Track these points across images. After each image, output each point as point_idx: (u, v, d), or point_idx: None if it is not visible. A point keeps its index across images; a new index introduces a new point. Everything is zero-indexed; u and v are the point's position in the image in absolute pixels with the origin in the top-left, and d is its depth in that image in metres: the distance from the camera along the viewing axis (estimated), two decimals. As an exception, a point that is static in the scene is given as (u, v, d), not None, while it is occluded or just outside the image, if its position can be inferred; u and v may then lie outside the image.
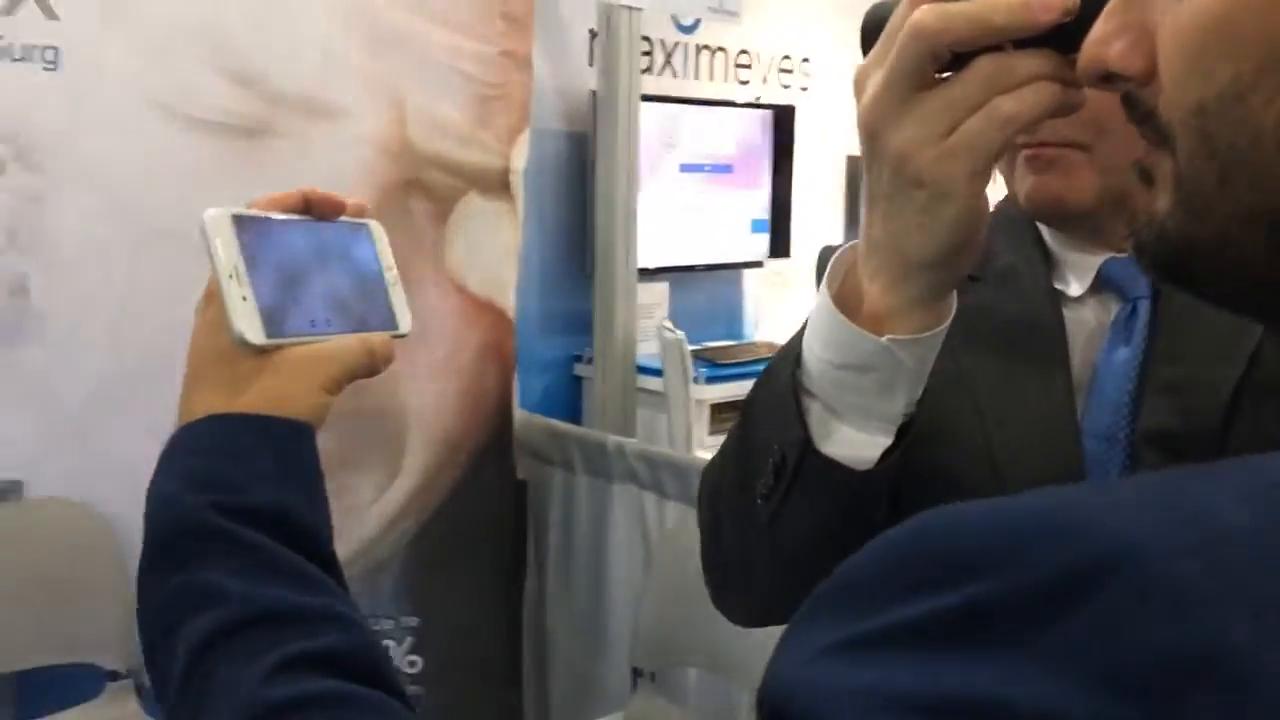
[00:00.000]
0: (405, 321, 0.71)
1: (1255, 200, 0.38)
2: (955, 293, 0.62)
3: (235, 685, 0.50)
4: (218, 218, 0.62)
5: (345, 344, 0.64)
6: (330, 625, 0.53)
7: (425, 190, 2.37)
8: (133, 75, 2.13)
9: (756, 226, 4.16)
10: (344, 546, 2.26)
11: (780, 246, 4.18)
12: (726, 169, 4.05)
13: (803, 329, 0.65)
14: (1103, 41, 0.46)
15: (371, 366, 0.65)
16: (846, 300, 0.61)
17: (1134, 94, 0.42)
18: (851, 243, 0.61)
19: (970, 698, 0.26)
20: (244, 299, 0.61)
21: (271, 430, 0.59)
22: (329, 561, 0.58)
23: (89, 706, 2.12)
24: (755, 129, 4.13)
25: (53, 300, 2.12)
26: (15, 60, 2.04)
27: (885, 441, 0.62)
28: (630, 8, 2.80)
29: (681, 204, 3.89)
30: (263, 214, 0.65)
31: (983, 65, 0.53)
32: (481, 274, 2.45)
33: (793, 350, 0.65)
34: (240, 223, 0.62)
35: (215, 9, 2.18)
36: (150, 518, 0.58)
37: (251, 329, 0.60)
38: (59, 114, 2.09)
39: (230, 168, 2.22)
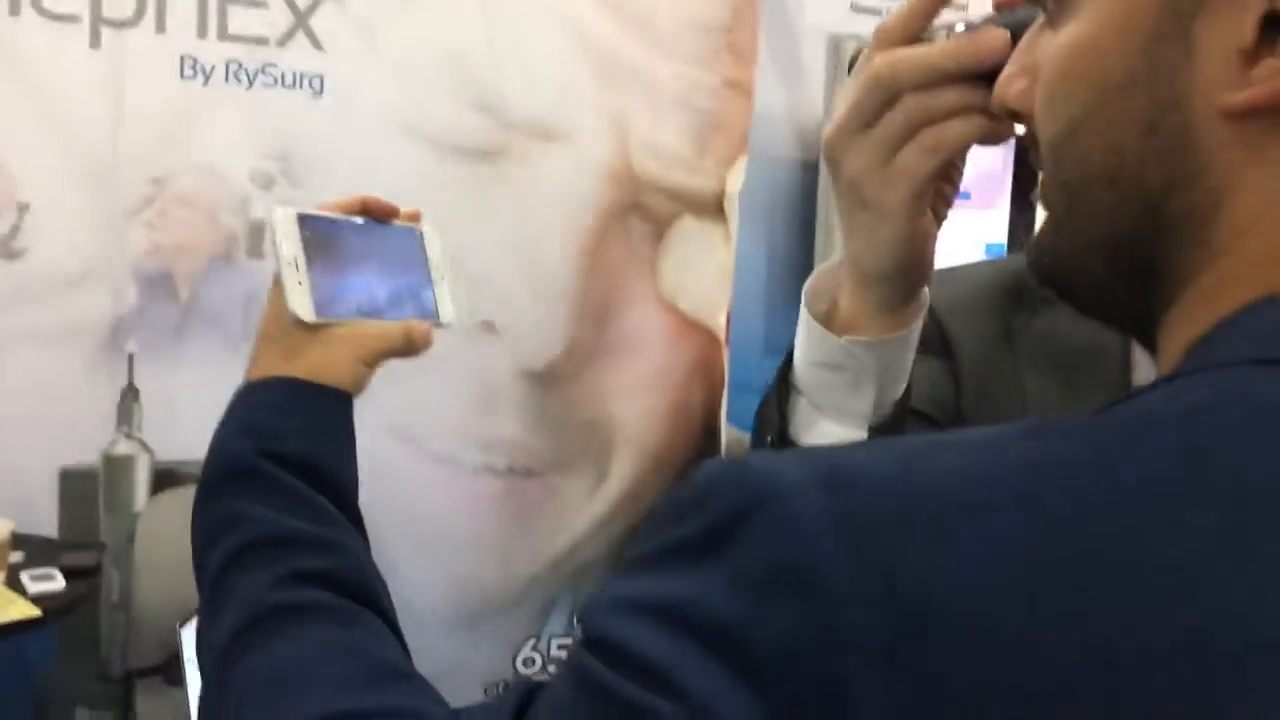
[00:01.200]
0: (447, 313, 0.82)
1: (1092, 229, 0.44)
2: (921, 302, 0.67)
3: (250, 588, 0.62)
4: (283, 215, 0.74)
5: (386, 326, 0.76)
6: (333, 551, 0.64)
7: (644, 212, 2.50)
8: (387, 101, 2.34)
9: (992, 250, 4.10)
10: (554, 544, 2.43)
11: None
12: (963, 195, 4.01)
13: None
14: (1006, 81, 0.52)
15: (409, 347, 0.77)
16: (833, 307, 0.68)
17: (1031, 129, 0.48)
18: (835, 256, 0.68)
19: (675, 602, 0.35)
20: (299, 284, 0.72)
21: (312, 393, 0.71)
22: (346, 505, 0.69)
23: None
24: (995, 153, 4.08)
25: (308, 303, 2.35)
26: (286, 87, 2.28)
27: (860, 435, 0.68)
28: (858, 38, 2.85)
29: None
30: (324, 213, 0.77)
31: (908, 101, 0.59)
32: (693, 294, 2.55)
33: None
34: (304, 220, 0.74)
35: (461, 40, 2.37)
36: (207, 458, 0.70)
37: (304, 308, 0.72)
38: (322, 136, 2.32)
39: (468, 187, 2.41)
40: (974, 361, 0.83)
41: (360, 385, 0.75)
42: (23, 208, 2.15)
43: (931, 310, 0.85)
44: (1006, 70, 0.52)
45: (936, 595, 0.31)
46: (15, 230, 2.14)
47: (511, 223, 2.45)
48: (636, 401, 2.51)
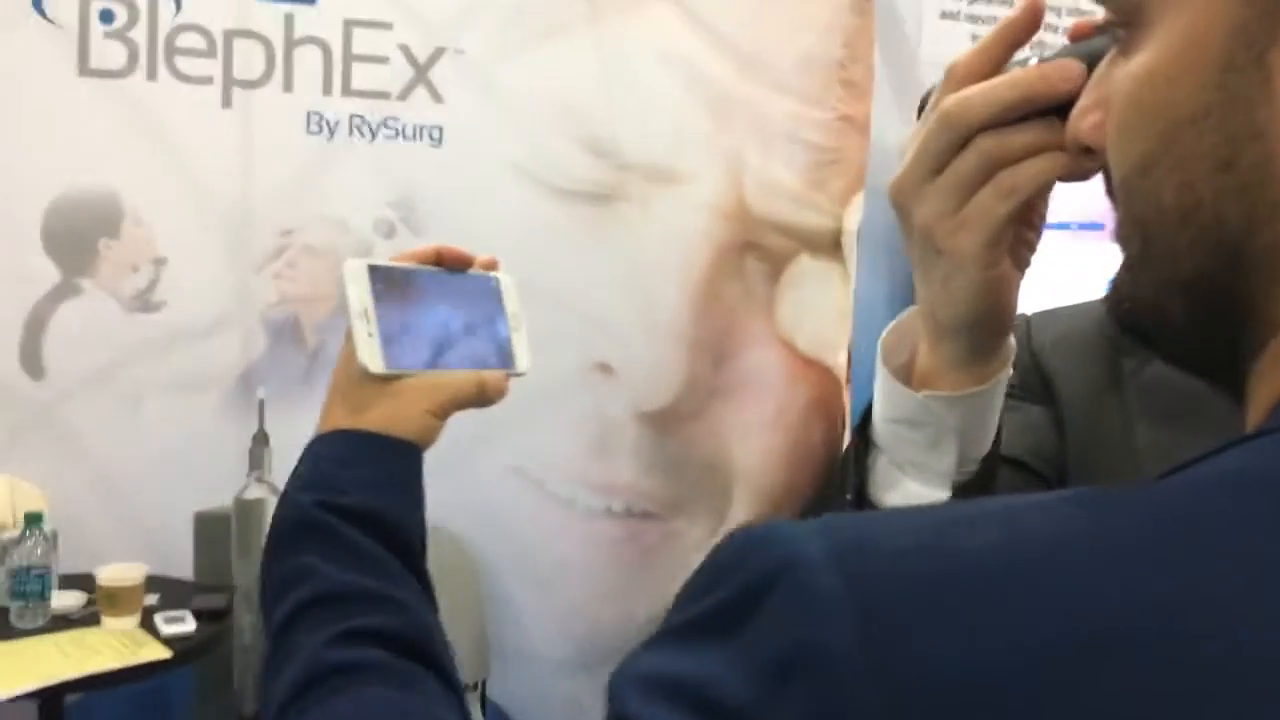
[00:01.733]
0: (524, 362, 0.81)
1: (1167, 270, 0.40)
2: (1005, 354, 0.63)
3: (309, 646, 0.62)
4: (355, 267, 0.74)
5: (457, 377, 0.75)
6: (391, 606, 0.64)
7: (760, 251, 2.48)
8: (503, 149, 2.39)
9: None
10: (673, 587, 2.40)
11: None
12: (1096, 226, 3.89)
13: None
14: (1079, 115, 0.48)
15: (482, 398, 0.76)
16: (911, 360, 0.65)
17: (1107, 166, 0.44)
18: (913, 307, 0.65)
19: (694, 682, 0.33)
20: (369, 335, 0.72)
21: (380, 445, 0.71)
22: (411, 556, 0.68)
23: (442, 713, 2.35)
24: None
25: (429, 348, 2.40)
26: (407, 138, 2.34)
27: (943, 495, 0.64)
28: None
29: (1047, 262, 3.77)
30: (397, 264, 0.77)
31: (981, 141, 0.55)
32: (811, 332, 2.52)
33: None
34: (375, 271, 0.74)
35: (576, 88, 2.40)
36: (275, 511, 0.70)
37: (373, 360, 0.72)
38: (441, 184, 2.37)
39: (583, 230, 2.44)
40: (1079, 410, 0.78)
41: (430, 437, 0.74)
42: (159, 262, 2.24)
43: (1033, 354, 0.81)
44: (1080, 103, 0.49)
45: (951, 687, 0.29)
46: (153, 284, 2.24)
47: (627, 264, 2.47)
48: (754, 442, 2.49)
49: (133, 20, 2.17)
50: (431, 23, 2.33)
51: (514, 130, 2.39)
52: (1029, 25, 0.58)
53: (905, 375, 0.65)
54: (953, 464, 0.63)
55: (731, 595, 0.34)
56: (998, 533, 0.33)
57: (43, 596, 1.98)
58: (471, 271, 0.80)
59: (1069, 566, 0.31)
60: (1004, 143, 0.55)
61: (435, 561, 2.29)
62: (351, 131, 2.32)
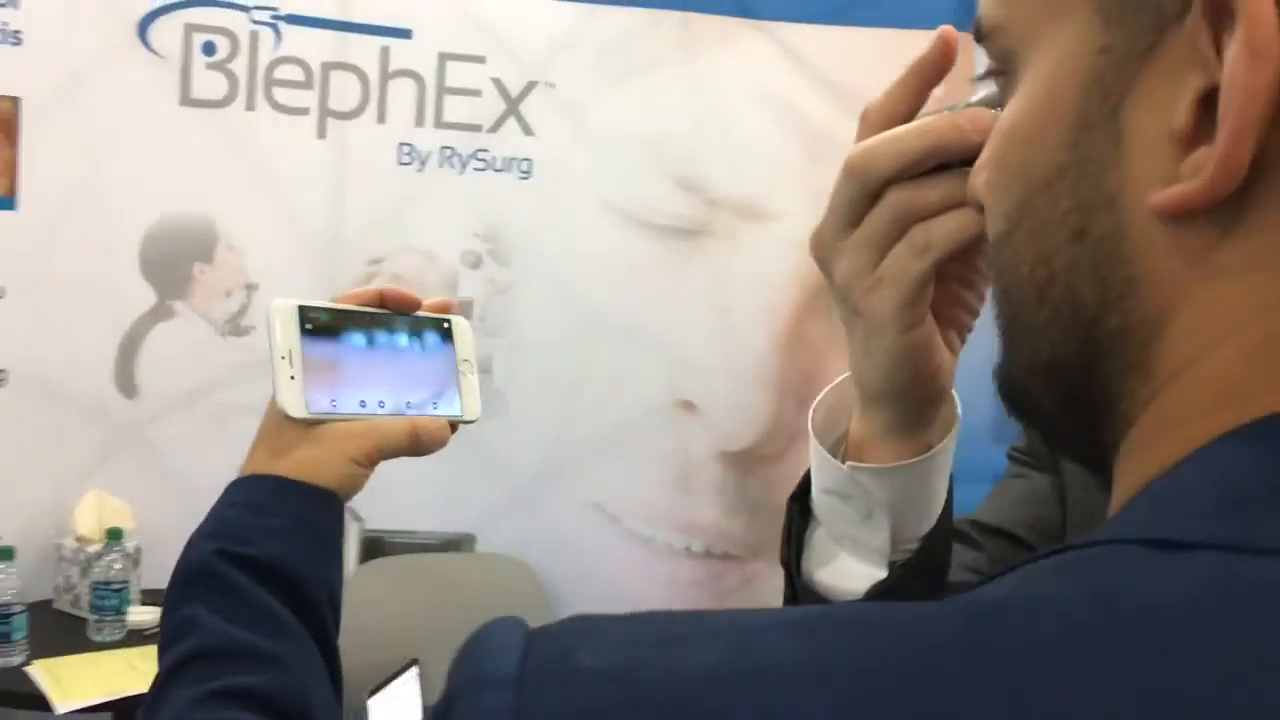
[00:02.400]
0: (473, 409, 0.77)
1: (1029, 350, 0.35)
2: (944, 425, 0.57)
3: (177, 703, 0.59)
4: (282, 307, 0.71)
5: (387, 423, 0.71)
6: (271, 666, 0.60)
7: (849, 291, 2.42)
8: (592, 182, 2.38)
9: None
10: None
11: None
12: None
13: None
14: (977, 170, 0.43)
15: (415, 446, 0.72)
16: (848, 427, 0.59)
17: None
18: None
19: None
20: (291, 378, 0.69)
21: (294, 492, 0.67)
22: (310, 610, 0.65)
23: (510, 749, 2.33)
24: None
25: (512, 380, 2.40)
26: (497, 171, 2.36)
27: (879, 573, 0.58)
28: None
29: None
30: (331, 305, 0.73)
31: (892, 195, 0.50)
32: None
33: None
34: (307, 312, 0.71)
35: (667, 122, 2.39)
36: (179, 558, 0.67)
37: (293, 404, 0.69)
38: (528, 217, 2.38)
39: (670, 266, 2.41)
40: (1080, 483, 0.72)
41: (352, 485, 0.70)
42: (251, 288, 2.29)
43: None
44: (980, 158, 0.43)
45: None
46: (244, 309, 2.29)
47: (713, 302, 2.43)
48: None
49: (234, 52, 2.24)
50: (524, 57, 2.35)
51: (603, 164, 2.39)
52: (940, 62, 0.53)
53: (839, 443, 0.59)
54: (886, 540, 0.58)
55: (441, 700, 0.32)
56: (709, 658, 0.29)
57: (119, 611, 2.03)
58: (420, 313, 0.77)
59: (756, 707, 0.27)
60: (916, 196, 0.50)
61: (508, 595, 2.28)
62: (442, 163, 2.34)
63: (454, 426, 0.75)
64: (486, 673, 0.30)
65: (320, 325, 0.72)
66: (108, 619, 2.02)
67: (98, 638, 2.02)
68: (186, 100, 2.22)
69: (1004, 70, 0.37)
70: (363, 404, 0.72)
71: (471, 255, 2.38)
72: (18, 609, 1.94)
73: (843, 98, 2.43)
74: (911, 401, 0.55)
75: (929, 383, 0.55)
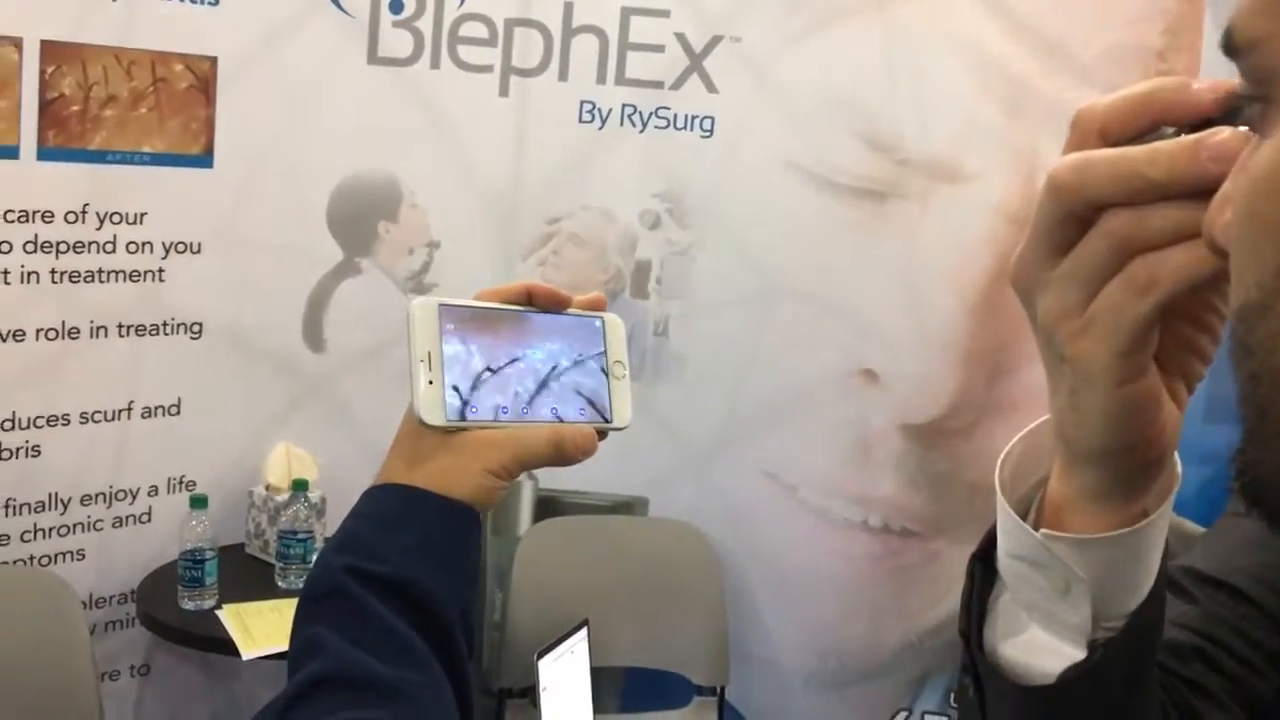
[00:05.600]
0: (623, 416, 0.72)
1: None
2: (1163, 490, 0.48)
3: None
4: (423, 305, 0.66)
5: (529, 432, 0.67)
6: (394, 699, 0.57)
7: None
8: (775, 141, 2.30)
9: None
10: (931, 612, 2.24)
11: None
12: None
13: None
14: (1217, 206, 0.35)
15: (560, 456, 0.67)
16: (1044, 481, 0.51)
17: None
18: (1046, 417, 0.50)
19: None
20: (430, 383, 0.65)
21: (427, 505, 0.64)
22: (443, 633, 0.62)
23: (677, 713, 2.32)
24: None
25: (688, 344, 2.35)
26: (678, 129, 2.30)
27: (1076, 654, 0.49)
28: None
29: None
30: (474, 304, 0.68)
31: (1111, 221, 0.41)
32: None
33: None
34: (447, 311, 0.66)
35: (856, 77, 2.28)
36: (311, 570, 0.65)
37: (430, 411, 0.64)
38: (709, 176, 2.32)
39: (856, 228, 2.31)
40: None
41: (488, 499, 0.66)
42: (433, 245, 2.31)
43: None
44: (1222, 189, 0.36)
45: None
46: (426, 266, 2.32)
47: (901, 266, 2.32)
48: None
49: (420, 10, 2.24)
50: (709, 11, 2.27)
51: (788, 121, 2.30)
52: (1187, 112, 0.41)
53: (1037, 498, 0.52)
54: (1086, 619, 0.50)
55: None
56: None
57: (305, 559, 2.09)
58: (570, 312, 0.72)
59: None
60: (1139, 224, 0.41)
61: (680, 559, 2.25)
62: (623, 121, 2.30)
63: (603, 434, 0.71)
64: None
65: (463, 325, 0.68)
66: (293, 566, 2.09)
67: (284, 584, 2.09)
68: (374, 59, 2.24)
69: (1261, 96, 0.29)
70: (505, 410, 0.68)
71: (650, 215, 2.34)
72: (210, 554, 2.02)
73: (1045, 46, 2.27)
74: (1126, 465, 0.47)
75: (1149, 445, 0.46)
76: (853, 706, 2.43)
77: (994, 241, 2.28)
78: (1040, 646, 0.51)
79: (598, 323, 0.73)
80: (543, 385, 0.69)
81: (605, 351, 0.73)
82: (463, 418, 0.66)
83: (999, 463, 0.52)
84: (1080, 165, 0.42)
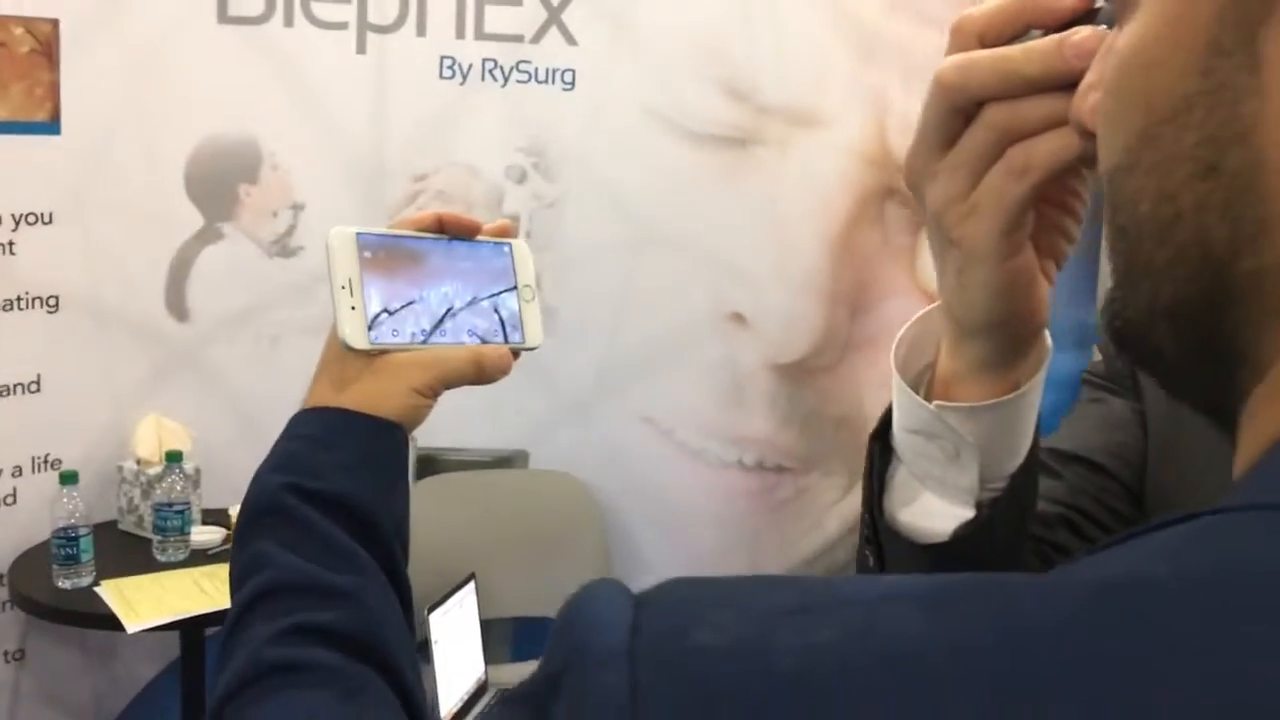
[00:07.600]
0: (535, 336, 0.76)
1: (1149, 292, 0.32)
2: (1037, 360, 0.55)
3: (253, 639, 0.59)
4: (340, 234, 0.69)
5: (450, 353, 0.70)
6: (344, 601, 0.60)
7: (902, 197, 2.36)
8: (637, 93, 2.33)
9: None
10: (805, 543, 2.33)
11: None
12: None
13: None
14: (1081, 93, 0.40)
15: (479, 375, 0.71)
16: (935, 361, 0.57)
17: None
18: (938, 303, 0.56)
19: None
20: (352, 308, 0.68)
21: (358, 424, 0.66)
22: (381, 544, 0.65)
23: (567, 659, 2.37)
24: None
25: (561, 296, 2.38)
26: (540, 83, 2.31)
27: (967, 513, 0.56)
28: None
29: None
30: (389, 232, 0.71)
31: (991, 113, 0.47)
32: (955, 284, 2.39)
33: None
34: (364, 240, 0.69)
35: (714, 28, 2.32)
36: (247, 492, 0.66)
37: (354, 335, 0.67)
38: (573, 129, 2.33)
39: (718, 175, 2.37)
40: (1161, 413, 0.69)
41: (415, 416, 0.69)
42: (297, 207, 2.28)
43: None
44: (1085, 79, 0.41)
45: None
46: (291, 229, 2.28)
47: (763, 211, 2.39)
48: (890, 395, 2.39)
49: (270, -34, 2.19)
50: (565, -38, 2.28)
51: (648, 72, 2.33)
52: (1064, 13, 0.47)
53: (925, 379, 0.57)
54: (974, 480, 0.56)
55: (542, 676, 0.31)
56: (829, 634, 0.28)
57: (183, 531, 2.06)
58: (480, 239, 0.75)
59: (881, 687, 0.26)
60: (1016, 114, 0.46)
61: (562, 508, 2.29)
62: (484, 76, 2.30)
63: (516, 354, 0.74)
64: (595, 648, 0.29)
65: (379, 253, 0.70)
66: (171, 539, 2.05)
67: (162, 558, 2.06)
68: (225, 18, 2.18)
69: None
70: (424, 333, 0.70)
71: (516, 170, 2.35)
72: (84, 531, 1.97)
73: (894, -5, 2.35)
74: (1008, 336, 0.53)
75: (1028, 317, 0.52)
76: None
77: (851, 183, 2.36)
78: (933, 511, 0.57)
79: (506, 248, 0.76)
80: (458, 309, 0.72)
81: (515, 275, 0.75)
82: (386, 341, 0.68)
83: (893, 347, 0.58)
84: (963, 65, 0.47)
